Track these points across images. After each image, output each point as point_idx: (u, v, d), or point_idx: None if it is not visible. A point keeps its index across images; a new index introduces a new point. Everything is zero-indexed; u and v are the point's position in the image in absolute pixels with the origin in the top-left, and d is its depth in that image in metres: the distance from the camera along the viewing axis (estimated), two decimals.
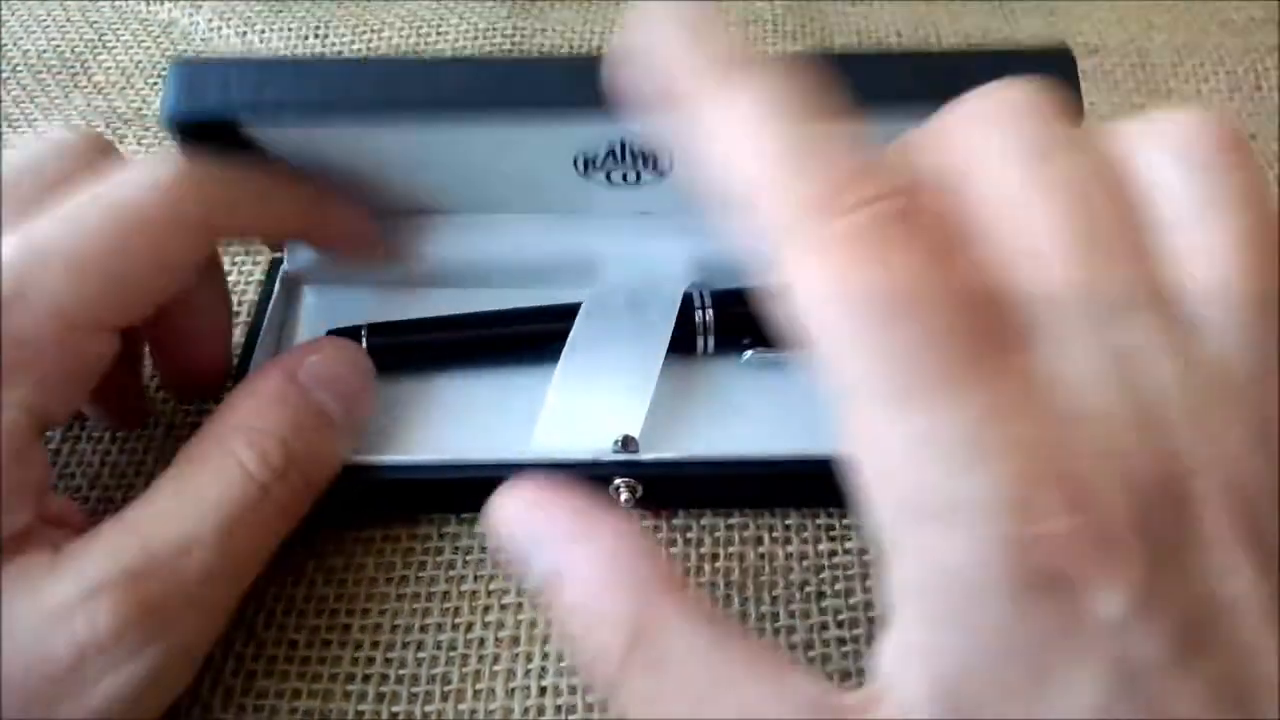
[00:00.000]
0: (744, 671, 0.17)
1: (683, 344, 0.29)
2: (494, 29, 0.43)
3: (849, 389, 0.15)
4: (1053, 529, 0.14)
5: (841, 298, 0.15)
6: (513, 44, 0.43)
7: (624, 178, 0.29)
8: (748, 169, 0.16)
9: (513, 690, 0.25)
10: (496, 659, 0.25)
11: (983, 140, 0.17)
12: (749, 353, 0.29)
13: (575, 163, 0.28)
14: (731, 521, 0.28)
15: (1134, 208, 0.17)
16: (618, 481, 0.26)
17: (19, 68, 0.42)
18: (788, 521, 0.28)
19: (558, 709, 0.24)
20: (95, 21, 0.44)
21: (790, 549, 0.27)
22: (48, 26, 0.43)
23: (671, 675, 0.17)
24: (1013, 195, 0.16)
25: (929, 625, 0.15)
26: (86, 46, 0.43)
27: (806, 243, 0.15)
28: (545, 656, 0.25)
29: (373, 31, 0.43)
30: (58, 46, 0.43)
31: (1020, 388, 0.15)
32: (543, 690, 0.25)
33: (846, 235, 0.15)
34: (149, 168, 0.24)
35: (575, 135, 0.27)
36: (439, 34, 0.43)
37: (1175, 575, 0.15)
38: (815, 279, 0.15)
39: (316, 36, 0.43)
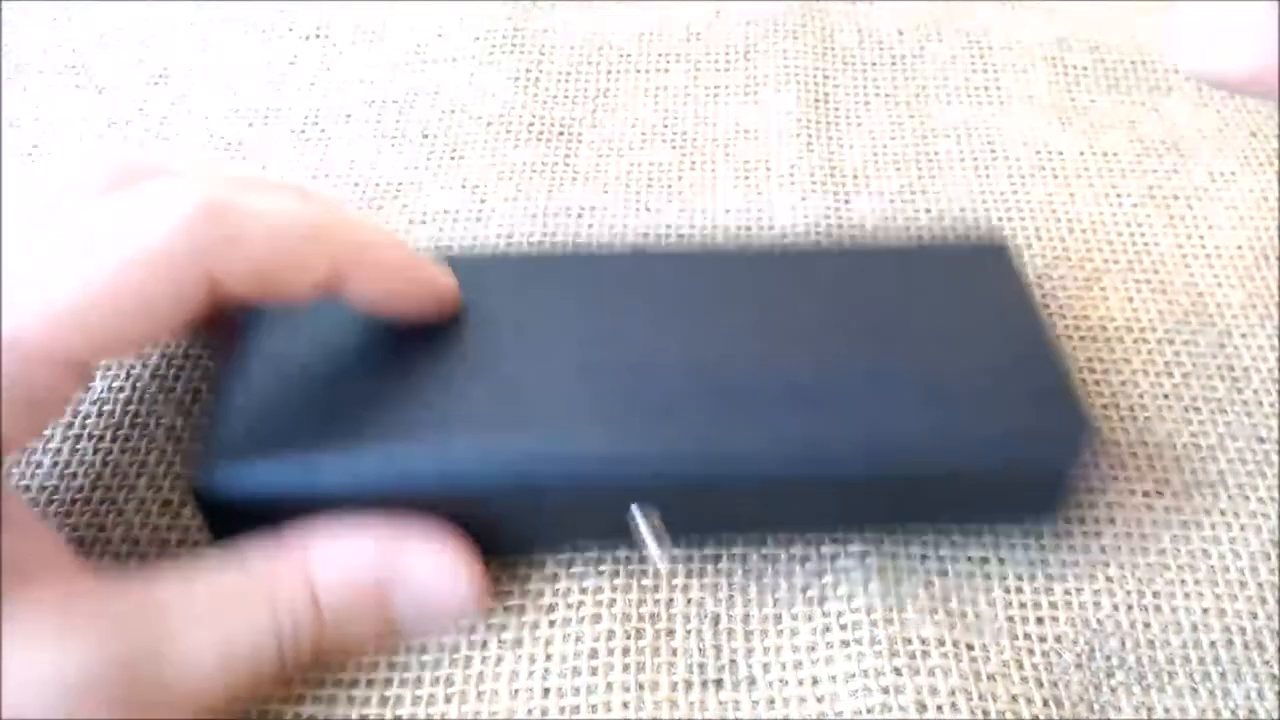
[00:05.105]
0: None
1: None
2: (495, 30, 0.43)
3: None
4: None
5: None
6: (513, 45, 0.43)
7: None
8: None
9: (516, 692, 0.25)
10: (500, 660, 0.25)
11: None
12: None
13: None
14: None
15: None
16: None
17: (19, 67, 0.42)
18: None
19: (561, 710, 0.24)
20: (96, 21, 0.44)
21: (794, 550, 0.27)
22: (48, 26, 0.43)
23: None
24: None
25: None
26: (87, 46, 0.43)
27: None
28: (549, 658, 0.25)
29: (372, 32, 0.43)
30: (58, 46, 0.43)
31: None
32: (546, 692, 0.25)
33: None
34: (153, 202, 0.22)
35: None
36: (439, 36, 0.43)
37: None
38: None
39: (317, 37, 0.43)
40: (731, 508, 0.26)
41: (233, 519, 0.25)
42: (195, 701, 0.22)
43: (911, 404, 0.25)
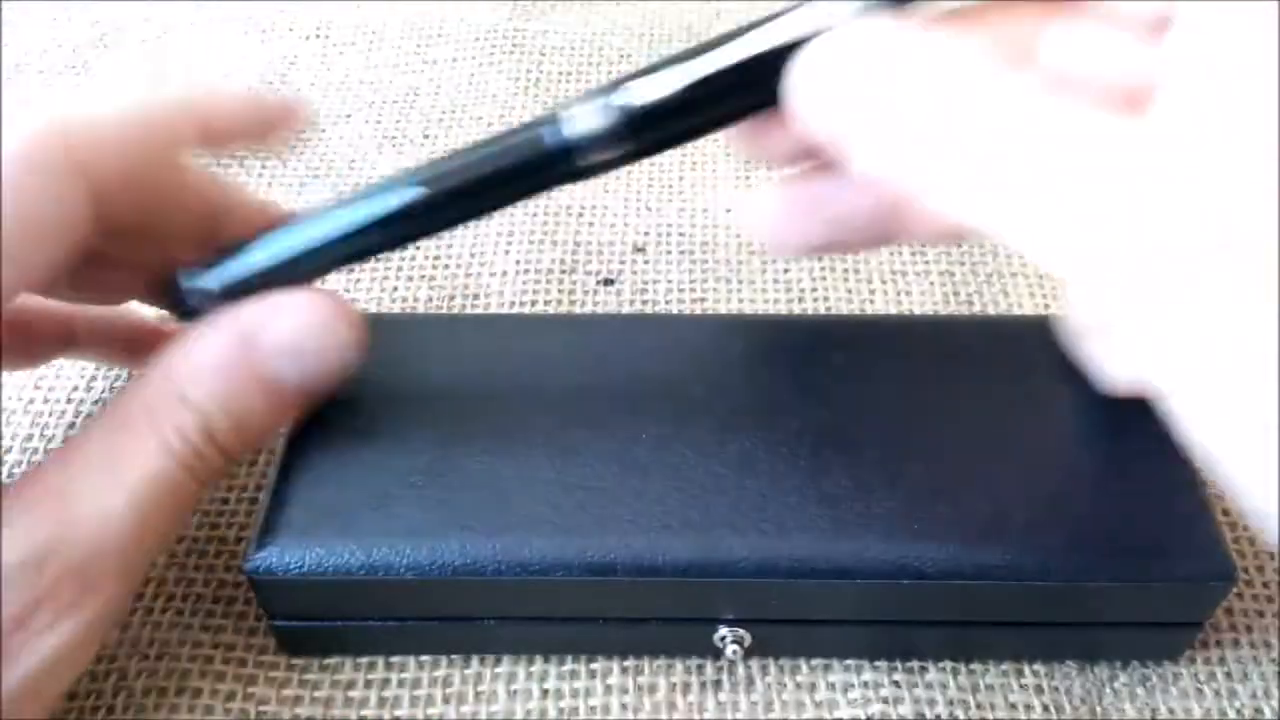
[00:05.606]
0: None
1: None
2: (495, 30, 0.43)
3: None
4: None
5: None
6: (513, 45, 0.42)
7: None
8: None
9: (514, 693, 0.25)
10: (499, 661, 0.25)
11: None
12: None
13: None
14: None
15: None
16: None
17: (19, 67, 0.42)
18: None
19: (560, 711, 0.24)
20: (96, 21, 0.44)
21: None
22: (48, 26, 0.43)
23: None
24: None
25: None
26: (87, 46, 0.43)
27: None
28: (547, 660, 0.25)
29: (372, 32, 0.43)
30: (58, 46, 0.43)
31: None
32: (545, 694, 0.25)
33: None
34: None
35: None
36: (440, 35, 0.43)
37: None
38: None
39: (317, 36, 0.43)
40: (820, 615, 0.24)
41: (285, 599, 0.24)
42: (126, 554, 0.22)
43: (1039, 532, 0.23)
